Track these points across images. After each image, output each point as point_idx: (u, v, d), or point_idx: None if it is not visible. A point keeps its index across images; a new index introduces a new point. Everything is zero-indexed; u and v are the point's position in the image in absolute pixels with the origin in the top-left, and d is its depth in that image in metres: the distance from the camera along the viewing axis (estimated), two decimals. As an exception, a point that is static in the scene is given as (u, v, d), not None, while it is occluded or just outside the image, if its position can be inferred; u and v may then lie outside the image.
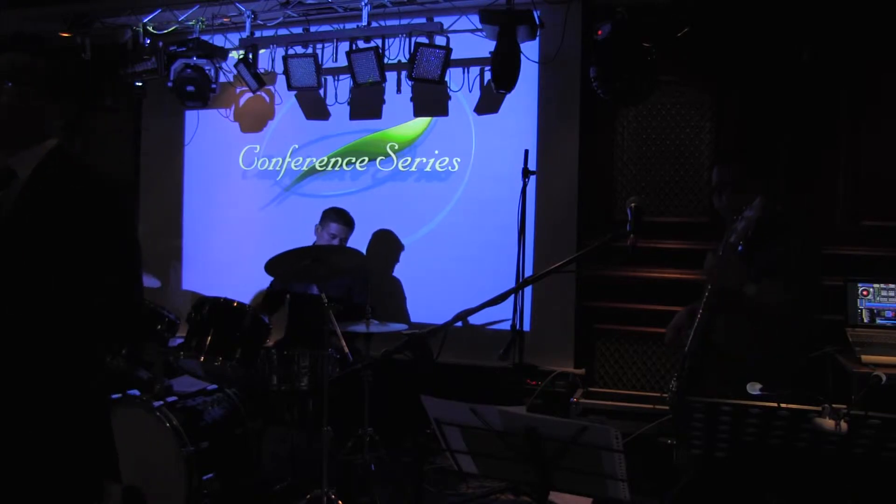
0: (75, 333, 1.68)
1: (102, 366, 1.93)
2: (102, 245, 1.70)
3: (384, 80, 4.68)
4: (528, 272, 4.23)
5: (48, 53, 1.78)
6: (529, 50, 4.48)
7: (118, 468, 1.82)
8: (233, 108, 5.35)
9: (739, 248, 2.25)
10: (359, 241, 4.86)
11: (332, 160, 5.09)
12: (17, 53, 1.74)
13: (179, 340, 3.52)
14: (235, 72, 5.06)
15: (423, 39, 4.59)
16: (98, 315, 1.70)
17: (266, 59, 5.12)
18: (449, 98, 4.80)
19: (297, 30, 5.01)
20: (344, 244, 4.18)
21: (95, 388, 1.80)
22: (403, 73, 4.82)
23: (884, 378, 1.85)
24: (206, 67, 4.98)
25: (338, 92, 5.03)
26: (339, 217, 4.23)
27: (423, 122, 4.90)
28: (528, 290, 4.50)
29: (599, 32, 4.06)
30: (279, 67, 4.93)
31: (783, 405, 1.78)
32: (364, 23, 4.71)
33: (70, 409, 1.70)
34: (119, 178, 1.81)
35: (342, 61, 4.76)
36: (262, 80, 4.98)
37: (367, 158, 5.01)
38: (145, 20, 5.11)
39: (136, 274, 1.82)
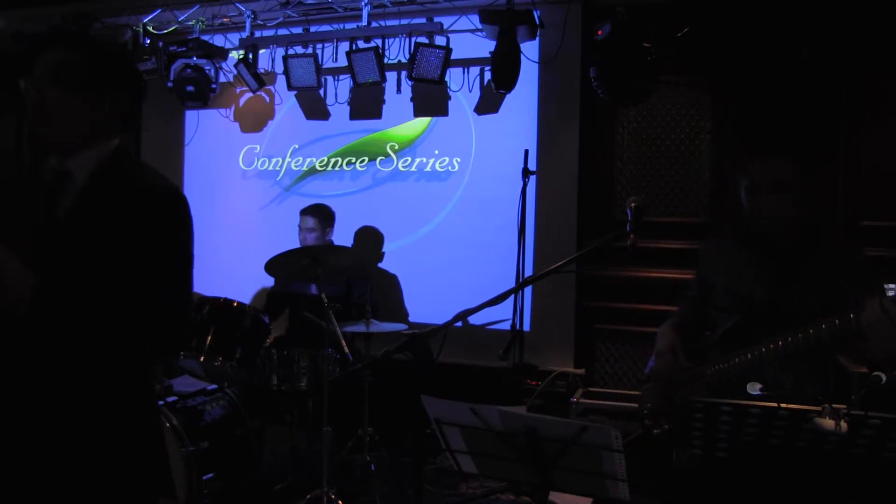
0: (128, 344, 1.60)
1: (153, 377, 1.82)
2: (158, 254, 1.61)
3: (384, 80, 4.68)
4: (528, 272, 4.24)
5: (87, 43, 1.60)
6: (529, 50, 4.48)
7: (173, 484, 1.77)
8: (233, 108, 5.36)
9: None
10: (348, 241, 4.87)
11: (332, 160, 5.09)
12: (54, 49, 1.61)
13: (179, 340, 3.52)
14: (235, 72, 5.06)
15: (423, 39, 4.59)
16: (152, 325, 1.61)
17: (266, 59, 5.12)
18: (449, 98, 4.80)
19: (297, 30, 5.01)
20: (322, 232, 4.17)
21: (148, 399, 1.73)
22: (403, 73, 4.82)
23: (884, 378, 1.85)
24: (206, 67, 4.98)
25: (338, 92, 5.03)
26: (307, 210, 4.25)
27: (423, 122, 4.90)
28: (528, 290, 4.50)
29: (599, 32, 4.06)
30: (279, 67, 4.93)
31: (783, 405, 1.78)
32: (364, 23, 4.71)
33: (124, 422, 1.62)
34: (176, 185, 1.70)
35: (342, 61, 4.76)
36: (262, 80, 4.98)
37: (367, 158, 5.01)
38: (145, 20, 5.11)
39: (187, 286, 1.75)
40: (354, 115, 5.04)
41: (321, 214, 4.21)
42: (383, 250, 4.95)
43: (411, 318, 4.78)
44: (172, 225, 1.66)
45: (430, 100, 4.84)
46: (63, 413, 1.56)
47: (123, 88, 1.69)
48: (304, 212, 4.24)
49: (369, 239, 4.92)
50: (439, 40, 4.60)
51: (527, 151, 4.15)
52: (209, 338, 3.35)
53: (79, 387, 1.56)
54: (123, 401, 1.63)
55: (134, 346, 1.62)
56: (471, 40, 4.63)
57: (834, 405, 1.71)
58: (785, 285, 2.19)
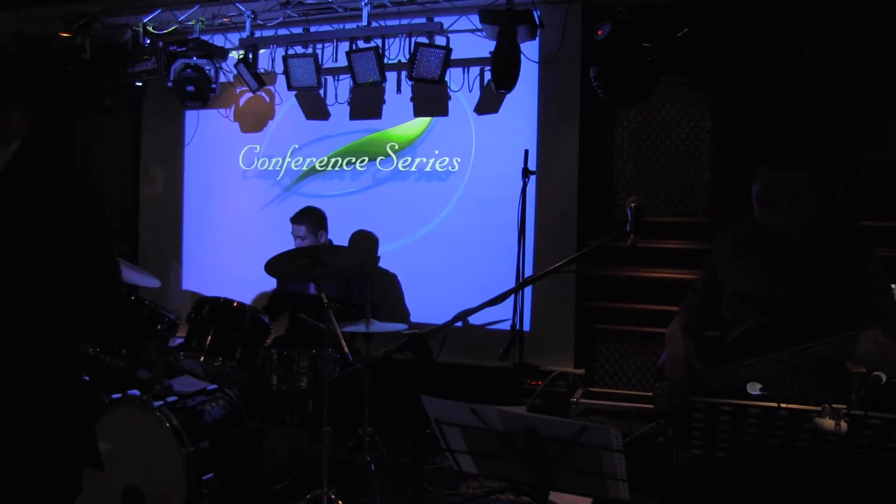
0: (51, 329, 1.71)
1: (77, 359, 1.95)
2: (74, 241, 1.73)
3: (384, 80, 4.68)
4: (528, 272, 4.24)
5: (3, 56, 1.80)
6: (529, 50, 4.48)
7: (99, 456, 1.84)
8: (233, 108, 5.36)
9: None
10: (347, 242, 4.87)
11: (332, 160, 5.09)
12: None
13: (179, 340, 3.52)
14: (235, 72, 5.07)
15: (423, 39, 4.59)
16: (73, 310, 1.73)
17: (266, 59, 5.12)
18: (449, 98, 4.80)
19: (297, 30, 5.01)
20: (315, 237, 4.15)
21: (71, 381, 1.82)
22: (403, 73, 4.82)
23: (884, 378, 1.85)
24: (206, 67, 4.98)
25: (338, 92, 5.03)
26: (296, 218, 4.20)
27: (423, 122, 4.90)
28: (528, 290, 4.50)
29: (599, 32, 4.06)
30: (279, 67, 4.93)
31: (783, 405, 1.78)
32: (364, 23, 4.71)
33: (46, 401, 1.73)
34: (85, 175, 1.86)
35: (342, 61, 4.76)
36: (262, 80, 4.98)
37: (367, 158, 5.01)
38: (145, 20, 5.12)
39: (112, 267, 1.84)
40: (354, 115, 5.04)
41: (311, 220, 4.17)
42: (379, 253, 4.94)
43: (411, 318, 4.78)
44: (83, 210, 1.76)
45: (430, 100, 4.84)
46: None
47: (36, 97, 1.84)
48: (294, 219, 4.20)
49: (363, 242, 4.92)
50: (439, 40, 4.60)
51: (527, 151, 4.15)
52: (209, 338, 3.35)
53: (8, 374, 1.66)
54: (46, 381, 1.74)
55: (58, 329, 1.73)
56: (471, 40, 4.63)
57: (834, 405, 1.71)
58: (799, 291, 2.18)
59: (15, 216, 1.69)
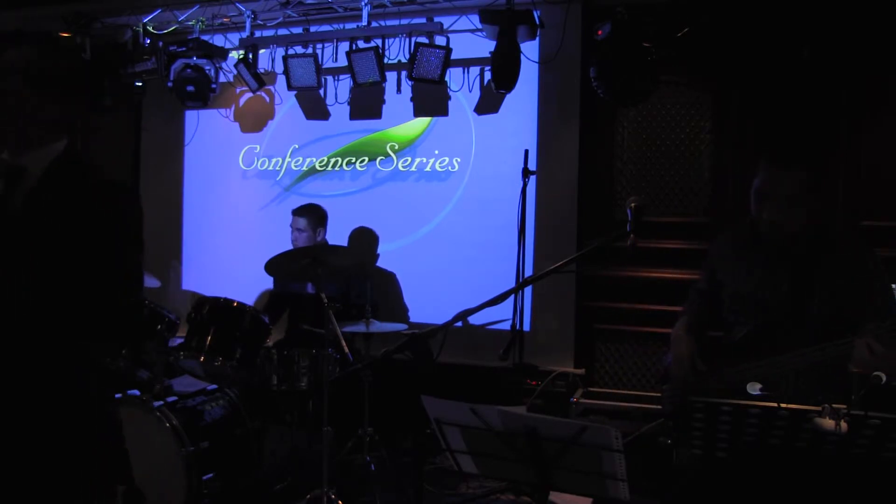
0: (76, 332, 1.70)
1: (100, 366, 1.94)
2: (109, 245, 1.72)
3: (384, 80, 4.68)
4: (528, 272, 4.24)
5: (52, 51, 1.78)
6: (529, 50, 4.48)
7: (129, 472, 1.83)
8: (233, 108, 5.36)
9: None
10: (345, 241, 4.86)
11: (332, 160, 5.09)
12: (23, 50, 1.73)
13: (179, 340, 3.52)
14: (235, 72, 5.07)
15: (423, 39, 4.59)
16: (99, 314, 1.72)
17: (266, 59, 5.12)
18: (449, 98, 4.80)
19: (297, 30, 5.01)
20: (314, 232, 4.15)
21: (95, 389, 1.81)
22: (403, 73, 4.82)
23: (884, 378, 1.85)
24: (206, 67, 4.98)
25: (338, 92, 5.03)
26: (299, 211, 4.22)
27: (423, 122, 4.90)
28: (528, 290, 4.50)
29: (599, 32, 4.06)
30: (279, 67, 4.93)
31: (783, 405, 1.78)
32: (364, 23, 4.71)
33: (69, 409, 1.71)
34: (124, 181, 1.84)
35: (342, 61, 4.76)
36: (262, 80, 4.98)
37: (367, 158, 5.01)
38: (145, 20, 5.12)
39: (139, 275, 1.84)
40: (354, 115, 5.04)
41: (312, 215, 4.19)
42: (378, 251, 4.94)
43: (411, 318, 4.78)
44: (122, 215, 1.78)
45: (430, 100, 4.84)
46: (13, 396, 1.65)
47: (78, 97, 1.84)
48: (296, 212, 4.22)
49: (363, 240, 4.92)
50: (439, 40, 4.60)
51: (527, 151, 4.15)
52: (209, 338, 3.35)
53: (24, 371, 1.66)
54: (69, 386, 1.72)
55: (82, 332, 1.72)
56: (471, 40, 4.63)
57: (834, 405, 1.71)
58: (799, 292, 2.17)
59: (51, 215, 1.68)
